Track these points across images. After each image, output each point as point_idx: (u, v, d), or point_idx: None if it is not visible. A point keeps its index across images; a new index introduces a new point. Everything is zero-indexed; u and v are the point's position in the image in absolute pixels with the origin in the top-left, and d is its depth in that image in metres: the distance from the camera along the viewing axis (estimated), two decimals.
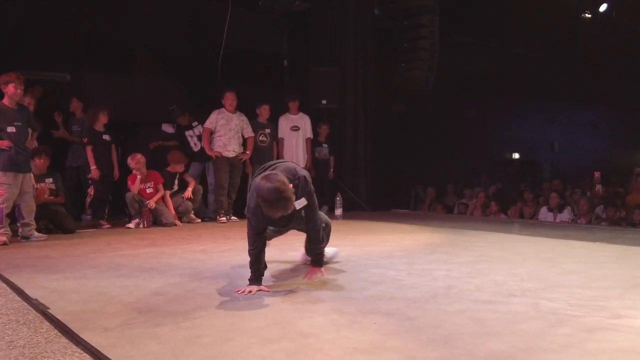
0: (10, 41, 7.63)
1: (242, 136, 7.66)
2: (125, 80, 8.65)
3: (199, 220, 7.45)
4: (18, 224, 5.76)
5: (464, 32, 12.31)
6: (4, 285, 3.57)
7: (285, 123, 8.24)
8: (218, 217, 7.39)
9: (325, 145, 8.64)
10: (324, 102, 8.90)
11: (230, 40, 8.54)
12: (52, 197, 6.41)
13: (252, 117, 7.95)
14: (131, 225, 6.79)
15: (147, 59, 8.87)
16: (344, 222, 7.35)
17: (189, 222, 7.31)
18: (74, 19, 7.96)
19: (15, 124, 5.59)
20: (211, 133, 7.47)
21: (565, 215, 7.86)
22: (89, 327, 2.56)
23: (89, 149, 6.87)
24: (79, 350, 2.29)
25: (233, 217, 7.53)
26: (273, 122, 8.17)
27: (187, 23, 8.98)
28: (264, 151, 8.00)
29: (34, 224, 5.83)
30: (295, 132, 8.21)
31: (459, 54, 12.31)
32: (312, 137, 8.33)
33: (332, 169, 8.70)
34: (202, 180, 7.79)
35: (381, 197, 9.33)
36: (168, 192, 7.18)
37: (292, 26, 10.11)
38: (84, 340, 2.35)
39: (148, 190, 7.01)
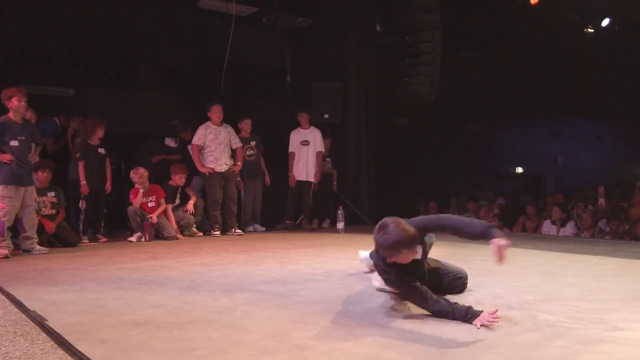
0: (13, 56, 7.73)
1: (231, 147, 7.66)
2: (129, 95, 8.75)
3: (201, 234, 7.46)
4: (20, 237, 5.78)
5: (468, 48, 12.40)
6: (3, 297, 3.59)
7: (296, 137, 8.29)
8: (213, 231, 7.40)
9: (328, 160, 8.68)
10: (326, 116, 8.95)
11: (233, 55, 8.62)
12: (53, 211, 6.44)
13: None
14: (133, 238, 6.81)
15: (151, 74, 8.97)
16: (345, 236, 7.35)
17: (191, 236, 7.32)
18: (77, 34, 8.06)
19: (19, 137, 5.65)
20: (200, 149, 7.45)
21: (569, 229, 7.83)
22: (86, 338, 2.56)
23: (80, 164, 6.80)
24: None
25: (238, 230, 7.53)
26: (257, 134, 8.20)
27: (191, 38, 9.07)
28: (254, 164, 8.06)
29: (36, 237, 5.86)
30: (306, 147, 8.25)
31: (463, 68, 12.39)
32: (323, 151, 8.35)
33: (335, 182, 8.72)
34: (203, 194, 7.80)
35: (383, 211, 9.29)
36: (170, 206, 7.20)
37: (295, 42, 10.22)
38: (80, 352, 2.36)
39: (150, 204, 7.04)
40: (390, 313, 3.00)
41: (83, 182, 6.79)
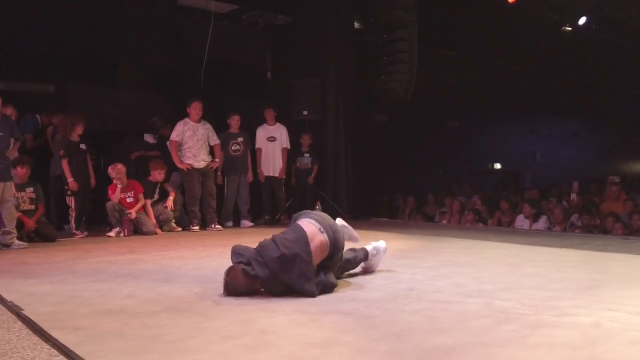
0: None
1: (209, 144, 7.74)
2: (108, 91, 8.77)
3: (180, 229, 7.55)
4: None
5: (446, 46, 12.58)
6: None
7: (262, 133, 8.39)
8: (192, 226, 7.50)
9: (307, 155, 8.79)
10: (305, 112, 9.05)
11: (213, 52, 8.69)
12: (32, 207, 6.49)
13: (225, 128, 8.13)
14: (112, 233, 6.87)
15: (130, 71, 9.01)
16: None
17: (169, 231, 7.40)
18: (57, 31, 8.08)
19: None
20: (179, 145, 7.51)
21: (541, 223, 8.03)
22: (60, 326, 2.66)
23: (64, 162, 6.81)
24: (47, 346, 2.40)
25: (217, 226, 7.62)
26: (246, 130, 8.29)
27: (170, 35, 9.13)
28: (237, 160, 8.14)
29: (15, 232, 5.91)
30: (272, 143, 8.37)
31: (441, 66, 12.58)
32: (288, 147, 8.48)
33: (313, 175, 8.80)
34: (182, 189, 7.87)
35: (361, 206, 9.47)
36: (149, 201, 7.27)
37: (275, 39, 10.31)
38: (53, 338, 2.46)
39: (128, 200, 7.10)
40: (354, 302, 3.13)
41: (70, 179, 6.79)
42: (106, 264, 4.67)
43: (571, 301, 3.08)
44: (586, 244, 5.66)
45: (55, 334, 2.53)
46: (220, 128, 8.10)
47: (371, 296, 3.27)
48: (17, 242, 5.88)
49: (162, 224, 7.37)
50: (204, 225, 7.62)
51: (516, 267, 4.22)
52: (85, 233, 6.93)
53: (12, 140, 5.94)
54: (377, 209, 10.06)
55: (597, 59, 13.47)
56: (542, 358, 2.16)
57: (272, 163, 8.33)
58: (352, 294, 3.34)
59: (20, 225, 6.17)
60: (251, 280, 3.22)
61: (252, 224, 8.18)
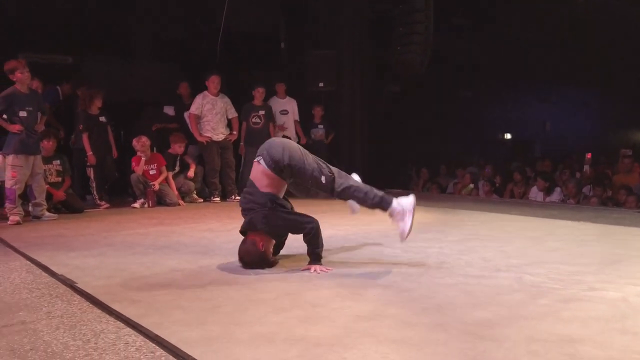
0: (12, 25, 7.79)
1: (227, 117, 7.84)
2: (126, 63, 8.83)
3: (201, 200, 7.71)
4: (29, 204, 6.00)
5: (460, 15, 12.50)
6: (28, 262, 3.84)
7: (274, 107, 8.48)
8: (213, 197, 7.68)
9: (320, 126, 8.89)
10: (321, 84, 9.11)
11: (229, 23, 8.71)
12: (59, 179, 6.65)
13: (249, 99, 8.21)
14: (136, 205, 7.05)
15: (147, 42, 9.05)
16: (341, 202, 7.61)
17: (191, 202, 7.57)
18: (75, 2, 8.11)
19: (26, 108, 5.81)
20: (197, 118, 7.63)
21: (555, 196, 8.16)
22: (117, 299, 2.83)
23: (85, 135, 6.99)
24: (112, 319, 2.57)
25: (237, 197, 7.78)
26: (268, 104, 8.38)
27: (187, 6, 9.12)
28: (258, 133, 8.21)
29: (45, 204, 6.08)
30: (285, 116, 8.48)
31: (454, 36, 12.51)
32: (299, 119, 8.59)
33: (330, 137, 8.95)
34: (199, 161, 8.00)
35: (376, 177, 9.59)
36: (171, 174, 7.42)
37: (290, 10, 10.27)
38: (116, 311, 2.63)
39: (151, 172, 7.25)
40: (390, 275, 3.30)
41: (89, 153, 6.98)
42: (140, 236, 4.85)
43: (596, 276, 3.24)
44: (601, 217, 5.82)
45: (116, 306, 2.70)
46: (233, 99, 8.15)
47: (404, 270, 3.43)
48: (47, 213, 6.05)
49: (183, 195, 7.53)
50: (224, 197, 7.79)
51: (538, 242, 4.37)
52: (107, 204, 7.11)
53: (39, 114, 6.05)
54: (390, 180, 10.17)
55: (610, 27, 13.37)
56: (577, 330, 2.32)
57: (287, 136, 8.44)
58: (386, 268, 3.50)
59: (48, 197, 6.33)
60: (260, 247, 3.41)
61: None
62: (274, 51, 10.18)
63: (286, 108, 8.52)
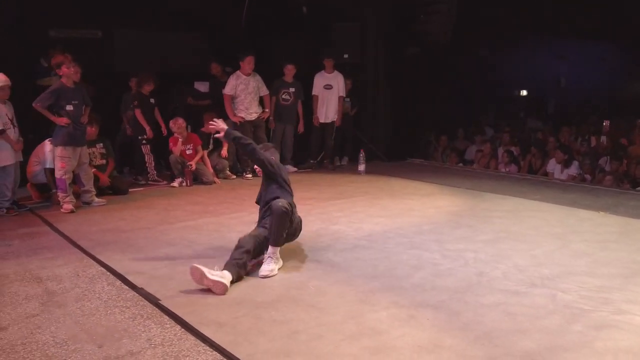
0: (40, 1, 7.89)
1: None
2: (155, 36, 8.93)
3: (234, 177, 8.08)
4: (79, 191, 6.38)
5: None
6: (103, 269, 4.23)
7: (320, 81, 8.72)
8: (245, 174, 8.07)
9: (347, 100, 9.12)
10: (345, 56, 9.27)
11: None
12: (103, 161, 7.00)
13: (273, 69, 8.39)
14: (175, 184, 7.43)
15: (175, 13, 9.12)
16: (367, 179, 8.00)
17: (224, 179, 7.94)
18: None
19: (72, 102, 6.09)
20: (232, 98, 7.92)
21: (573, 169, 8.46)
22: (204, 322, 3.24)
23: (138, 111, 7.49)
24: (208, 348, 2.98)
25: None
26: (299, 80, 8.56)
27: None
28: (287, 109, 8.49)
29: (94, 190, 6.46)
30: (329, 90, 8.69)
31: None
32: (344, 95, 8.80)
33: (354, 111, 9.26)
34: None
35: (397, 146, 9.89)
36: (205, 152, 7.75)
37: None
38: (209, 338, 3.04)
39: (188, 152, 7.58)
40: (436, 292, 3.69)
41: (147, 127, 7.57)
42: (193, 230, 5.25)
43: (622, 293, 3.63)
44: (620, 205, 6.18)
45: (206, 332, 3.11)
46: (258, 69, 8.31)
47: (449, 284, 3.83)
48: (96, 199, 6.44)
49: (218, 172, 7.89)
50: (254, 172, 8.13)
51: (563, 242, 4.76)
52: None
53: (84, 107, 6.31)
54: (411, 148, 10.43)
55: None
56: None
57: (326, 111, 8.70)
58: (430, 280, 3.90)
59: (95, 179, 6.68)
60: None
61: (295, 168, 8.68)
62: (298, 20, 10.22)
63: (331, 83, 8.73)
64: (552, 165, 8.80)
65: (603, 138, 9.53)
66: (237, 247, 4.03)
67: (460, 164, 10.02)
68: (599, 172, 8.42)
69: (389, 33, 9.58)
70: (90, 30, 8.62)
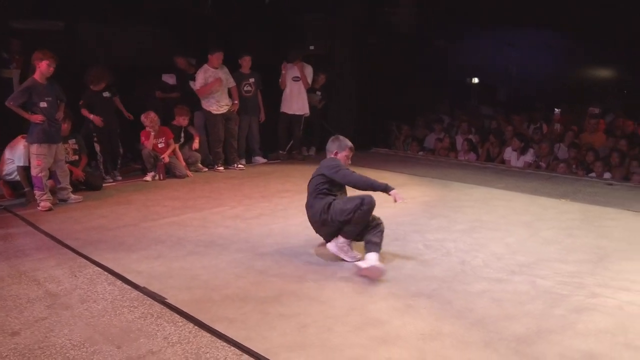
0: None
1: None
2: (118, 29, 8.80)
3: (206, 169, 8.14)
4: (56, 189, 6.32)
5: None
6: (99, 269, 4.28)
7: (289, 73, 8.81)
8: (216, 166, 8.13)
9: (318, 93, 9.30)
10: (311, 47, 9.42)
11: None
12: (76, 157, 6.92)
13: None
14: (148, 178, 7.44)
15: (140, 6, 9.00)
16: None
17: (196, 171, 7.98)
18: None
19: (46, 99, 6.00)
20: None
21: (529, 157, 8.94)
22: (215, 318, 3.38)
23: (83, 110, 7.29)
24: (225, 344, 3.13)
25: (240, 165, 8.27)
26: (256, 71, 8.64)
27: None
28: (250, 101, 8.57)
29: (70, 187, 6.41)
30: (297, 82, 8.84)
31: None
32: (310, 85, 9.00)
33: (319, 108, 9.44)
34: (203, 130, 8.34)
35: (363, 136, 10.13)
36: (177, 145, 7.77)
37: None
38: (225, 335, 3.19)
39: (160, 145, 7.58)
40: (427, 282, 3.96)
41: (91, 116, 7.28)
42: (178, 227, 5.34)
43: (593, 277, 4.01)
44: (579, 192, 6.66)
45: (219, 327, 3.26)
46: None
47: (435, 273, 4.11)
48: (72, 196, 6.39)
49: (190, 165, 7.93)
50: (226, 164, 8.24)
51: (533, 230, 5.18)
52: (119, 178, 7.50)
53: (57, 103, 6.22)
54: (375, 138, 10.69)
55: None
56: (594, 346, 3.05)
57: (296, 102, 8.82)
58: (420, 270, 4.17)
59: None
60: None
61: (264, 159, 8.82)
62: (259, 12, 10.26)
63: (299, 75, 8.86)
64: (509, 153, 9.26)
65: (557, 125, 10.05)
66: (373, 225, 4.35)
67: (421, 152, 10.37)
68: (553, 159, 8.93)
69: (355, 24, 9.76)
70: (52, 22, 8.41)
